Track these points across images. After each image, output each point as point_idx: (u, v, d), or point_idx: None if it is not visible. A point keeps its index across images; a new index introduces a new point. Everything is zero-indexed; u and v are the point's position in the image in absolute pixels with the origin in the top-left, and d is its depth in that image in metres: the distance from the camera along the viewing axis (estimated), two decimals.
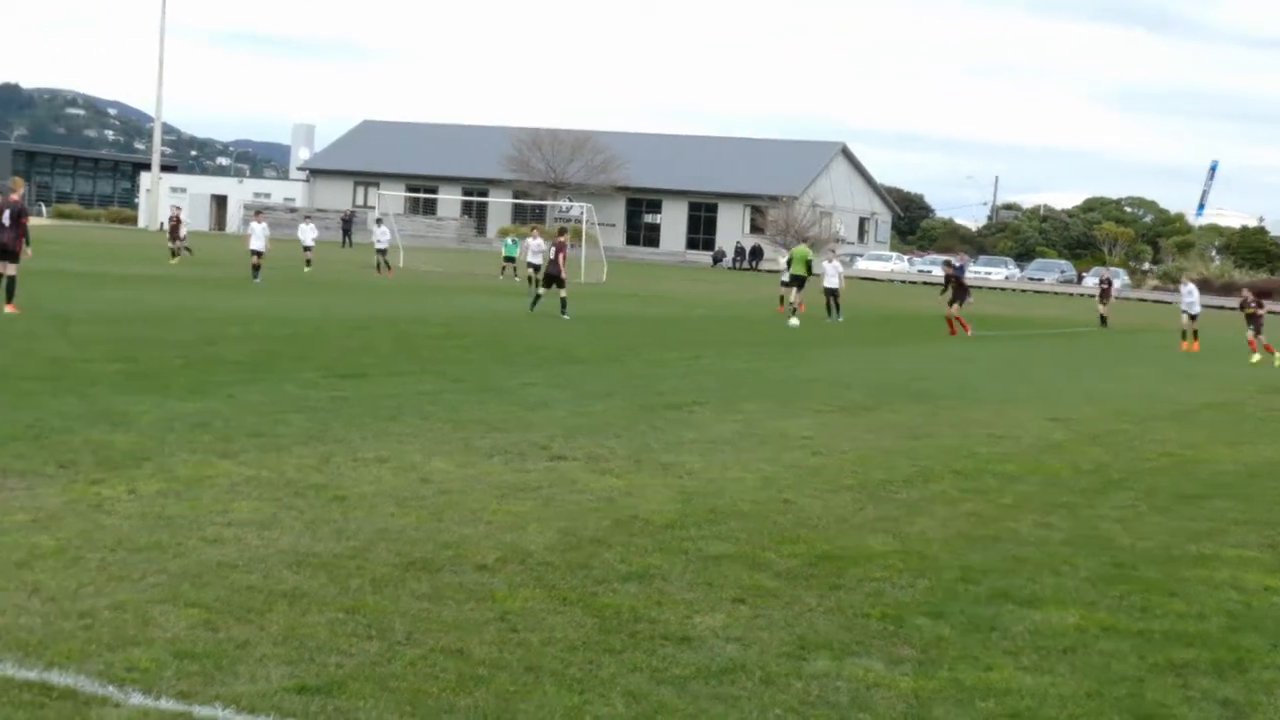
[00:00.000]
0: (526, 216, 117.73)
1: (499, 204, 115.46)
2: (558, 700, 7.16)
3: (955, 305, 41.57)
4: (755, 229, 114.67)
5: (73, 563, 9.12)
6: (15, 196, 28.52)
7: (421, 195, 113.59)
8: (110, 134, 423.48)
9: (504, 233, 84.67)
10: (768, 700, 7.41)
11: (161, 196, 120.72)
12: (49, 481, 11.60)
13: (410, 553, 9.95)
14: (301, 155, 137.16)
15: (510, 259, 61.62)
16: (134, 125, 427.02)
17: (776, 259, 43.08)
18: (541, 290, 38.75)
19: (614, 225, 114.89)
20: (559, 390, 20.18)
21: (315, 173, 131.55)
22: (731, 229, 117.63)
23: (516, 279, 57.51)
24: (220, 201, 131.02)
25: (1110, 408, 22.72)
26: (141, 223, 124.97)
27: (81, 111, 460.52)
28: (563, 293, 37.48)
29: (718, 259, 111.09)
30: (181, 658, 7.39)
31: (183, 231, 57.92)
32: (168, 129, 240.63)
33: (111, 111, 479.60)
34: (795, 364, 27.24)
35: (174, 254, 56.34)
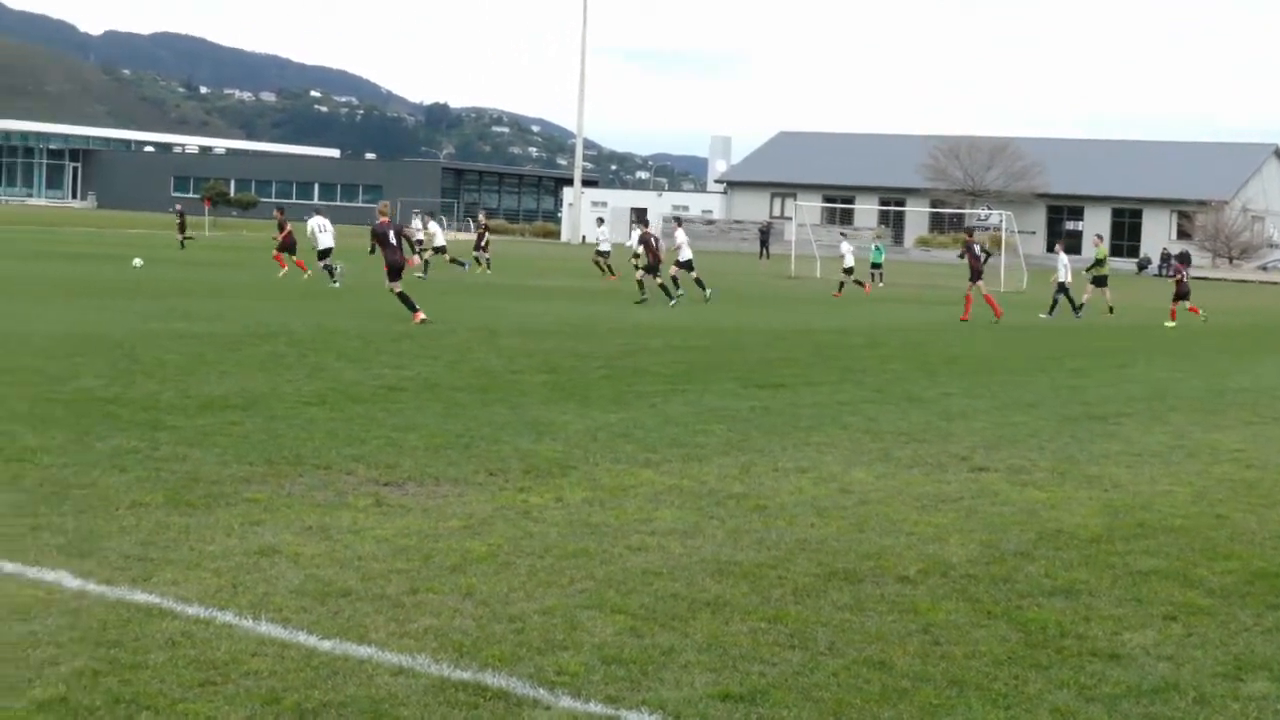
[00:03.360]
0: (944, 225, 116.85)
1: (916, 213, 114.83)
2: (983, 715, 7.04)
3: None
4: (1182, 235, 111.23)
5: (503, 568, 9.38)
6: (386, 219, 30.09)
7: (838, 205, 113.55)
8: (534, 150, 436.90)
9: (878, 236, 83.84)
10: None
11: (583, 211, 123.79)
12: (479, 489, 11.97)
13: (831, 563, 9.93)
14: (719, 167, 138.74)
15: (876, 266, 62.38)
16: (556, 142, 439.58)
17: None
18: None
19: (1034, 233, 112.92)
20: (979, 400, 19.91)
21: (732, 184, 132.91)
22: (1157, 235, 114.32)
23: (882, 285, 59.20)
24: (640, 215, 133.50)
25: None
26: (564, 237, 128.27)
27: (506, 129, 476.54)
28: (658, 280, 39.99)
29: (1143, 266, 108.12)
30: (608, 663, 7.53)
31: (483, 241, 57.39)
32: (588, 144, 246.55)
33: (534, 129, 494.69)
34: (1224, 373, 26.28)
35: (479, 263, 55.13)
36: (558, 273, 57.63)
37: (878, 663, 7.76)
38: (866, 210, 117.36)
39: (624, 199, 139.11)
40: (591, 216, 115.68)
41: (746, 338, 29.15)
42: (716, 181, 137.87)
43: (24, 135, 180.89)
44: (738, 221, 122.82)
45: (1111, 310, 44.33)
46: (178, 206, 72.13)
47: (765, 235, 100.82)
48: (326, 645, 7.60)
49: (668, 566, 9.60)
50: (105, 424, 14.21)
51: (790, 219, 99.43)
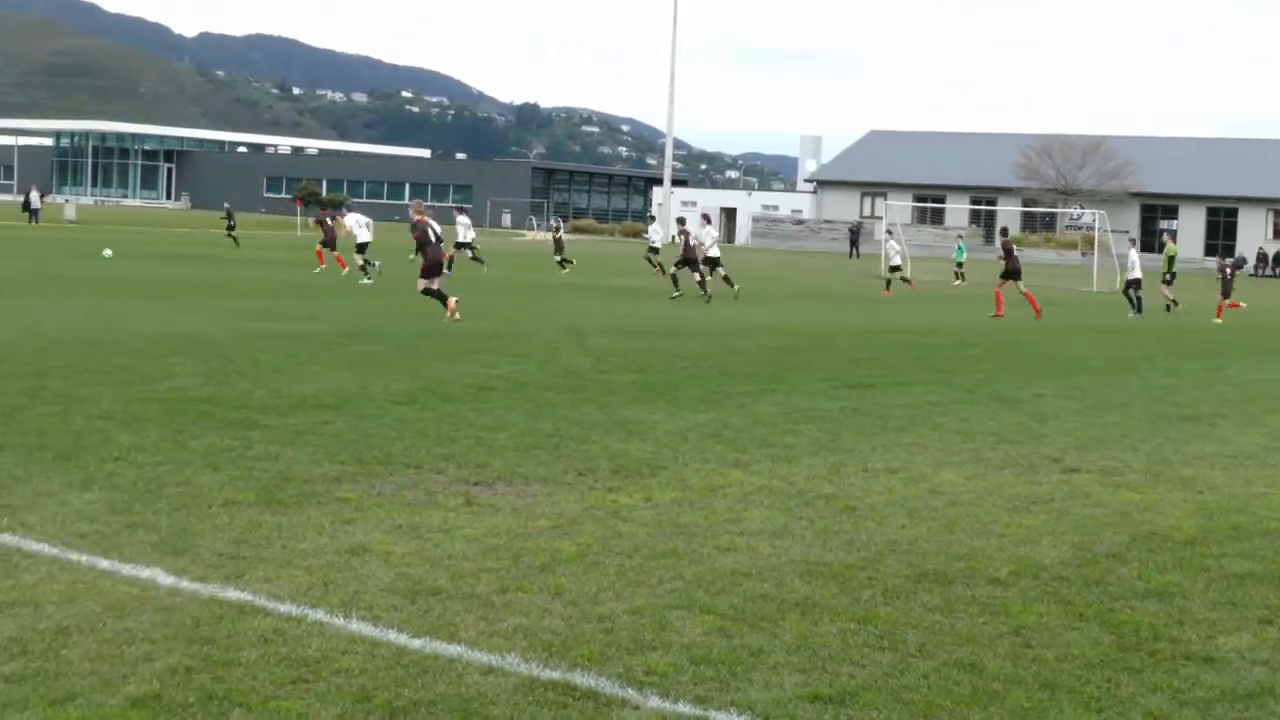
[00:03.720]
0: (1036, 225, 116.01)
1: (1008, 212, 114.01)
2: (1075, 719, 6.98)
3: None
4: (1279, 234, 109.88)
5: (592, 567, 9.39)
6: (422, 217, 29.93)
7: (929, 205, 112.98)
8: (623, 150, 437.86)
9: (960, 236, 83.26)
10: None
11: (672, 211, 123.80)
12: (568, 489, 11.99)
13: (921, 564, 9.88)
14: (809, 167, 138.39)
15: (958, 264, 63.18)
16: (645, 141, 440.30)
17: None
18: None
19: (1127, 232, 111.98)
20: (1071, 401, 19.74)
21: (822, 184, 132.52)
22: (1253, 234, 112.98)
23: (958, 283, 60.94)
24: (729, 214, 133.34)
25: None
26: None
27: (596, 129, 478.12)
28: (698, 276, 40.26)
29: (1238, 265, 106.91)
30: (697, 663, 7.52)
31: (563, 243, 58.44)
32: (678, 144, 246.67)
33: (624, 128, 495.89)
34: None
35: (561, 265, 56.20)
36: (645, 273, 57.54)
37: (968, 665, 7.71)
38: (957, 209, 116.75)
39: (714, 198, 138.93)
40: (688, 216, 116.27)
41: (835, 337, 29.06)
42: (806, 181, 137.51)
43: (119, 136, 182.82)
44: (828, 221, 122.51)
45: (1176, 303, 45.04)
46: (226, 205, 73.36)
47: (855, 235, 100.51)
48: (416, 644, 7.63)
49: (757, 567, 9.58)
50: (199, 423, 14.34)
51: (880, 218, 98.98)
